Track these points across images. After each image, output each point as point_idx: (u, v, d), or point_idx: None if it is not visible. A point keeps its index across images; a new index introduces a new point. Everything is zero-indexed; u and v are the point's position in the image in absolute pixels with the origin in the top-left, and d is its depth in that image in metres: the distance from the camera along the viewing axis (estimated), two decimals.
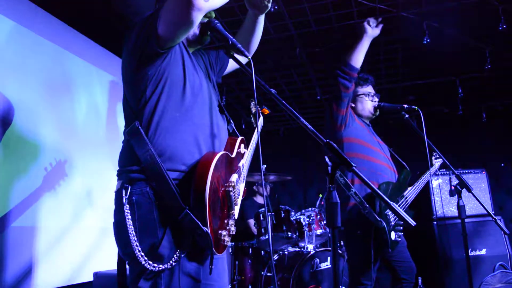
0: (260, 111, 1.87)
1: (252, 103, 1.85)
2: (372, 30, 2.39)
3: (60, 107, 2.98)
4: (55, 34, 3.00)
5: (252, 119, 1.88)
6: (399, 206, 2.32)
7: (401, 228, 2.30)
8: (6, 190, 2.47)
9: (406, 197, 2.40)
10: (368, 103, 2.58)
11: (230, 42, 1.32)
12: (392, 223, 2.23)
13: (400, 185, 2.42)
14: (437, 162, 2.84)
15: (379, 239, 2.18)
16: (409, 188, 2.46)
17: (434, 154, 2.84)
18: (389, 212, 2.24)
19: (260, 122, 1.88)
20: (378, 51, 4.11)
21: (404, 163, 2.66)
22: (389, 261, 2.38)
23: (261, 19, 1.63)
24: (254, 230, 3.91)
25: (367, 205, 2.07)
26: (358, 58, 2.36)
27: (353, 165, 1.14)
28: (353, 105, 2.60)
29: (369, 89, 2.62)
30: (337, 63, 2.41)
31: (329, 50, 4.02)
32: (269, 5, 1.53)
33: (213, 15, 1.44)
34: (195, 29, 1.42)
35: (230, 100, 5.27)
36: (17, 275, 2.51)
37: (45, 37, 2.90)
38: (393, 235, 2.20)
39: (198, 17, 1.21)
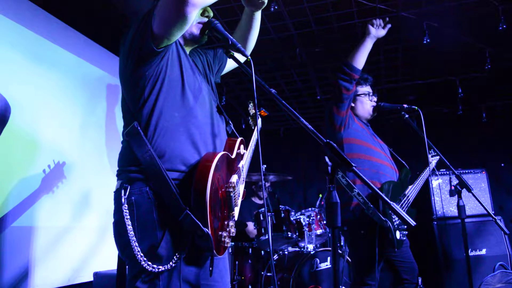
0: (258, 113, 1.87)
1: (250, 105, 1.84)
2: (377, 31, 2.37)
3: (59, 108, 2.98)
4: (54, 34, 2.99)
5: (250, 121, 1.88)
6: (401, 205, 2.31)
7: (405, 227, 2.30)
8: (5, 191, 2.46)
9: (408, 196, 2.40)
10: (367, 103, 2.58)
11: (230, 42, 1.32)
12: (397, 223, 2.22)
13: (401, 184, 2.42)
14: (433, 160, 2.84)
15: (384, 239, 2.17)
16: (409, 187, 2.46)
17: (430, 151, 2.85)
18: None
19: (259, 124, 1.88)
20: (378, 51, 4.11)
21: (403, 162, 2.66)
22: (391, 261, 2.37)
23: (258, 15, 1.61)
24: (254, 232, 3.91)
25: (371, 205, 2.06)
26: (360, 60, 2.33)
27: (353, 165, 1.14)
28: (352, 105, 2.59)
29: (368, 88, 2.61)
30: (338, 65, 2.39)
31: (329, 50, 4.02)
32: (266, 1, 1.52)
33: (211, 14, 1.44)
34: (193, 29, 1.42)
35: (230, 100, 5.27)
36: (17, 275, 2.51)
37: (45, 37, 2.89)
38: (398, 234, 2.19)
39: (193, 13, 1.19)
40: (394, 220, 2.20)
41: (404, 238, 2.27)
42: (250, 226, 4.15)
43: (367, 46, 2.35)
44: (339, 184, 2.14)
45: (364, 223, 2.21)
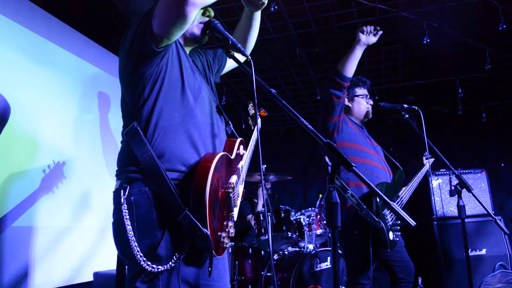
0: (258, 113, 1.87)
1: (250, 105, 1.84)
2: (367, 38, 2.32)
3: (59, 108, 2.98)
4: (55, 34, 2.99)
5: (250, 121, 1.88)
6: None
7: (399, 228, 2.31)
8: (4, 191, 2.46)
9: (401, 197, 2.41)
10: (363, 105, 2.61)
11: (230, 42, 1.32)
12: (390, 223, 2.23)
13: (394, 185, 2.43)
14: (427, 162, 2.86)
15: (377, 239, 2.18)
16: (403, 188, 2.47)
17: (424, 154, 2.86)
18: (386, 212, 2.25)
19: (259, 124, 1.88)
20: (378, 51, 4.11)
21: (397, 164, 2.67)
22: (386, 261, 2.38)
23: (257, 15, 1.61)
24: (253, 223, 3.94)
25: (365, 206, 2.08)
26: (350, 68, 2.31)
27: (353, 165, 1.14)
28: (349, 105, 2.61)
29: (366, 91, 2.64)
30: (329, 73, 2.38)
31: (329, 50, 4.02)
32: (266, 1, 1.52)
33: (212, 14, 1.44)
34: (194, 29, 1.42)
35: (230, 100, 5.27)
36: (17, 275, 2.51)
37: (45, 37, 2.89)
38: (391, 235, 2.20)
39: (192, 12, 1.19)
40: (387, 221, 2.21)
41: (398, 239, 2.28)
42: (249, 217, 4.18)
43: (357, 54, 2.31)
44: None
45: (357, 223, 2.23)
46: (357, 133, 2.49)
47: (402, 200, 2.41)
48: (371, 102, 2.65)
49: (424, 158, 2.89)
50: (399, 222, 2.34)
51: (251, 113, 1.85)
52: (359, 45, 2.31)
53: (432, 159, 2.87)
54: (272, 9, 3.15)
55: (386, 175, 2.45)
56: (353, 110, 2.61)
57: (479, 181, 3.95)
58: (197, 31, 1.42)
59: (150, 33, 1.20)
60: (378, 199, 2.20)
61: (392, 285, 2.43)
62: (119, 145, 1.33)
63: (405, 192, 2.46)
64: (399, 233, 2.30)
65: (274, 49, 4.03)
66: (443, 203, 3.88)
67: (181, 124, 1.27)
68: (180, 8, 1.16)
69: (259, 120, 1.68)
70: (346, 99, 2.62)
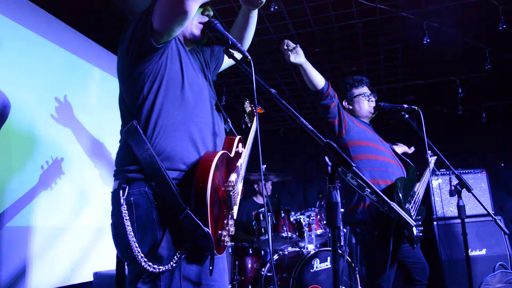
0: (255, 109, 1.87)
1: (246, 102, 1.84)
2: (296, 57, 2.18)
3: (57, 105, 2.98)
4: (54, 34, 2.99)
5: (246, 118, 1.88)
6: (413, 201, 2.32)
7: (420, 223, 2.29)
8: (3, 189, 2.45)
9: (418, 193, 2.40)
10: (365, 103, 2.59)
11: (230, 42, 1.32)
12: (413, 218, 2.21)
13: (410, 181, 2.42)
14: (432, 160, 2.85)
15: (400, 237, 2.15)
16: (417, 184, 2.46)
17: (428, 152, 2.86)
18: (409, 206, 2.23)
19: (256, 121, 1.88)
20: (378, 51, 4.12)
21: (408, 160, 2.66)
22: (403, 261, 2.33)
23: (255, 13, 1.61)
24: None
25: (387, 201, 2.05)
26: (316, 80, 2.24)
27: (353, 164, 1.14)
28: (350, 107, 2.60)
29: (365, 89, 2.62)
30: (311, 95, 2.34)
31: (329, 50, 4.02)
32: (264, 0, 1.52)
33: (212, 13, 1.44)
34: (193, 30, 1.42)
35: (230, 100, 5.27)
36: (16, 274, 2.50)
37: (44, 37, 2.89)
38: (414, 230, 2.17)
39: (193, 8, 1.19)
40: (411, 216, 2.18)
41: (421, 234, 2.25)
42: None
43: (309, 70, 2.23)
44: (349, 186, 2.13)
45: (377, 223, 2.19)
46: (365, 131, 2.48)
47: (419, 196, 2.40)
48: (373, 99, 2.60)
49: (428, 156, 2.88)
50: (419, 217, 2.32)
51: (247, 110, 1.85)
52: (301, 64, 2.21)
53: (435, 157, 2.87)
54: (272, 9, 3.15)
55: (401, 171, 2.43)
56: (356, 111, 2.60)
57: (479, 181, 3.95)
58: (196, 31, 1.42)
59: (150, 29, 1.20)
60: (400, 194, 2.16)
61: (405, 286, 2.39)
62: (117, 144, 1.32)
63: (420, 188, 2.45)
64: (422, 227, 2.27)
65: (274, 49, 4.03)
66: (443, 203, 3.88)
67: (181, 122, 1.26)
68: (180, 4, 1.16)
69: (256, 118, 1.68)
70: (345, 102, 2.62)
